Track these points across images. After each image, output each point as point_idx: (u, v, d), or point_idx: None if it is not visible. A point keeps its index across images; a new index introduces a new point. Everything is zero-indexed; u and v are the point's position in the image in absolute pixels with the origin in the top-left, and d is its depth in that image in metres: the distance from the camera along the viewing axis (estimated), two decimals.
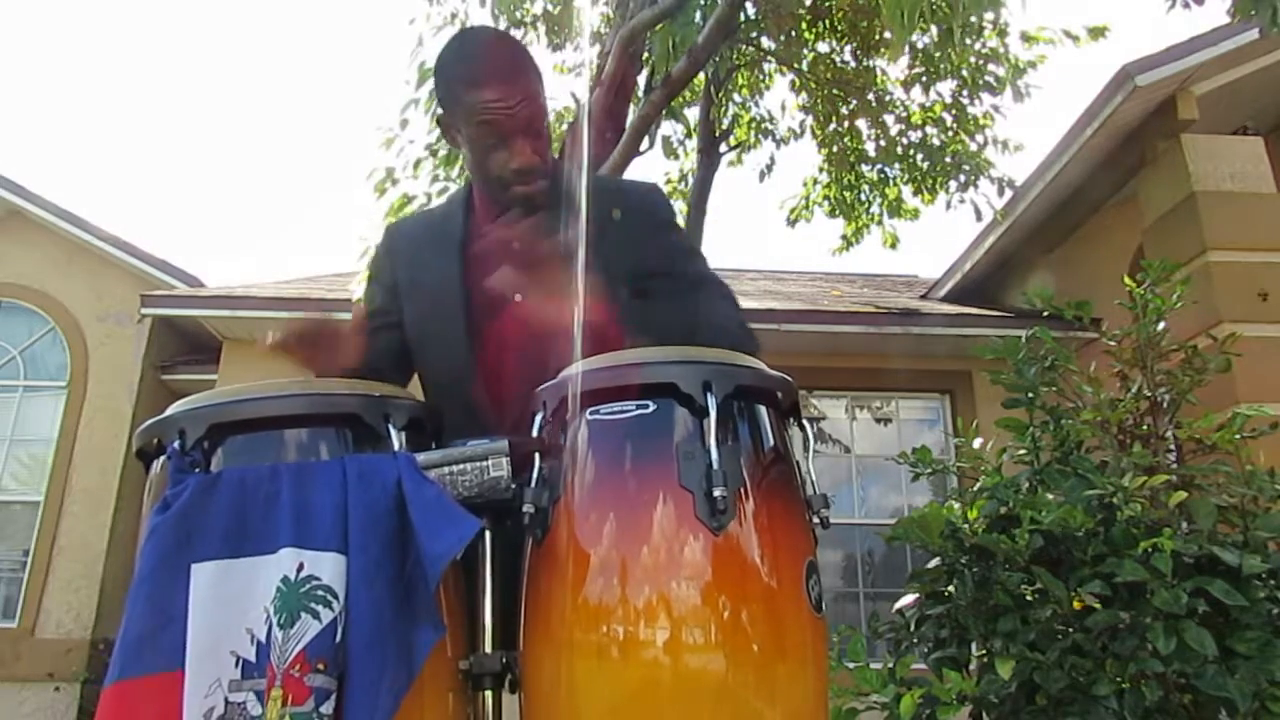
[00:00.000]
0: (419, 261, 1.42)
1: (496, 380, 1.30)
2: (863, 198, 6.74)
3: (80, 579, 6.94)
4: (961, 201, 6.18)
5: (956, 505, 2.05)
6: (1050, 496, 1.95)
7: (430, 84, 4.49)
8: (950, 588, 2.02)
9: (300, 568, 0.86)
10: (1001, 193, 6.12)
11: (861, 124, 6.30)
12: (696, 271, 1.43)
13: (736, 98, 6.47)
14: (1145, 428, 2.18)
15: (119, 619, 0.87)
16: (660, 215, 1.47)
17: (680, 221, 1.55)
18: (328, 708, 0.83)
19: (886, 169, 6.43)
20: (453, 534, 0.90)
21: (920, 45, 5.80)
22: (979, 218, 6.23)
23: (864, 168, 6.51)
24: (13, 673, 6.71)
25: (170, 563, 0.86)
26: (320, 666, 0.84)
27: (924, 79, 5.95)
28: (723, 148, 6.36)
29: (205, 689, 0.83)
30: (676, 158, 6.68)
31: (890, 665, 1.96)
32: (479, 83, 1.28)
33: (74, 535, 7.04)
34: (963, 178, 6.11)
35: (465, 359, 1.31)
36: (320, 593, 0.86)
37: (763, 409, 1.01)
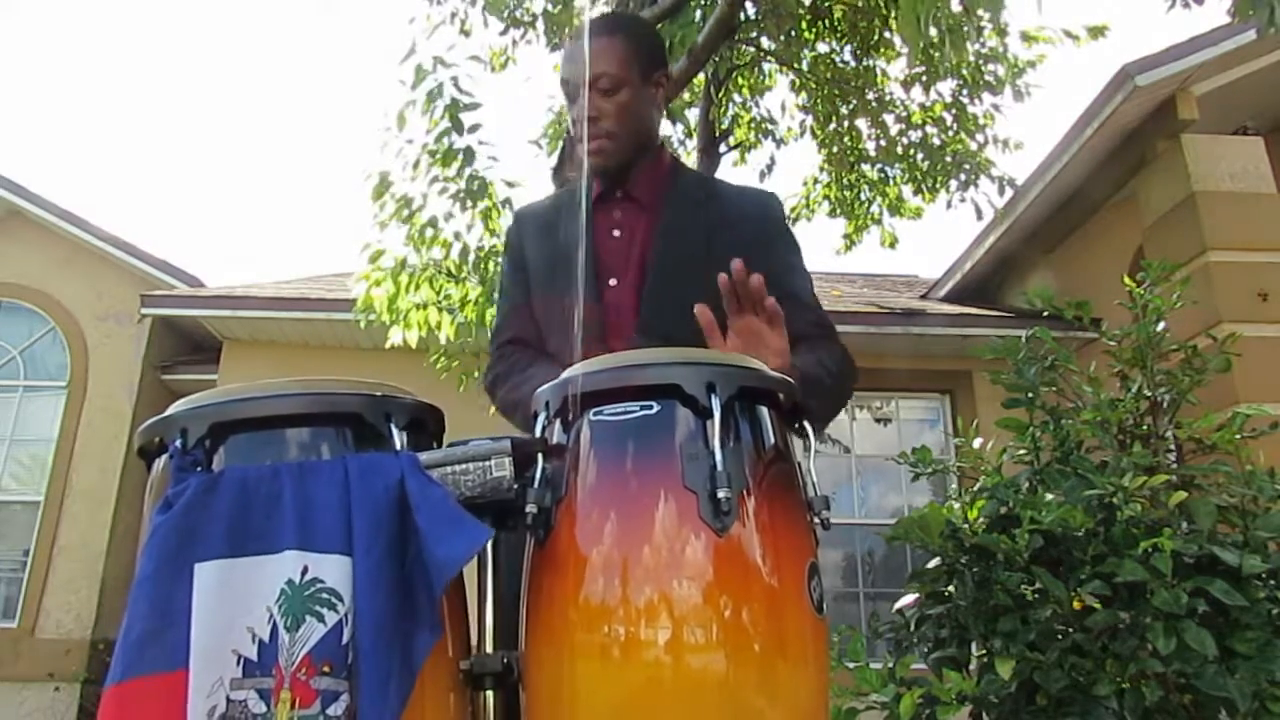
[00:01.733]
0: (549, 238, 1.50)
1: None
2: (863, 197, 6.74)
3: (80, 579, 6.94)
4: (962, 201, 6.19)
5: (956, 505, 2.05)
6: (1050, 496, 1.95)
7: (427, 84, 4.49)
8: (950, 588, 2.02)
9: (304, 570, 0.86)
10: (1002, 192, 6.12)
11: (861, 124, 6.30)
12: (821, 318, 1.46)
13: (736, 98, 6.47)
14: (1145, 428, 2.18)
15: (119, 619, 0.87)
16: (766, 221, 1.51)
17: (791, 232, 1.60)
18: (335, 709, 0.83)
19: (887, 168, 6.44)
20: (462, 542, 0.90)
21: (920, 45, 5.80)
22: (979, 217, 6.24)
23: (864, 167, 6.51)
24: (13, 673, 6.71)
25: (173, 562, 0.86)
26: (326, 669, 0.84)
27: (924, 79, 5.95)
28: (723, 148, 6.36)
29: (208, 688, 0.83)
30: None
31: (890, 665, 1.97)
32: (568, 48, 1.51)
33: (74, 535, 7.05)
34: (963, 177, 6.12)
35: (597, 331, 1.37)
36: (324, 595, 0.86)
37: (765, 410, 1.01)
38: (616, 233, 1.46)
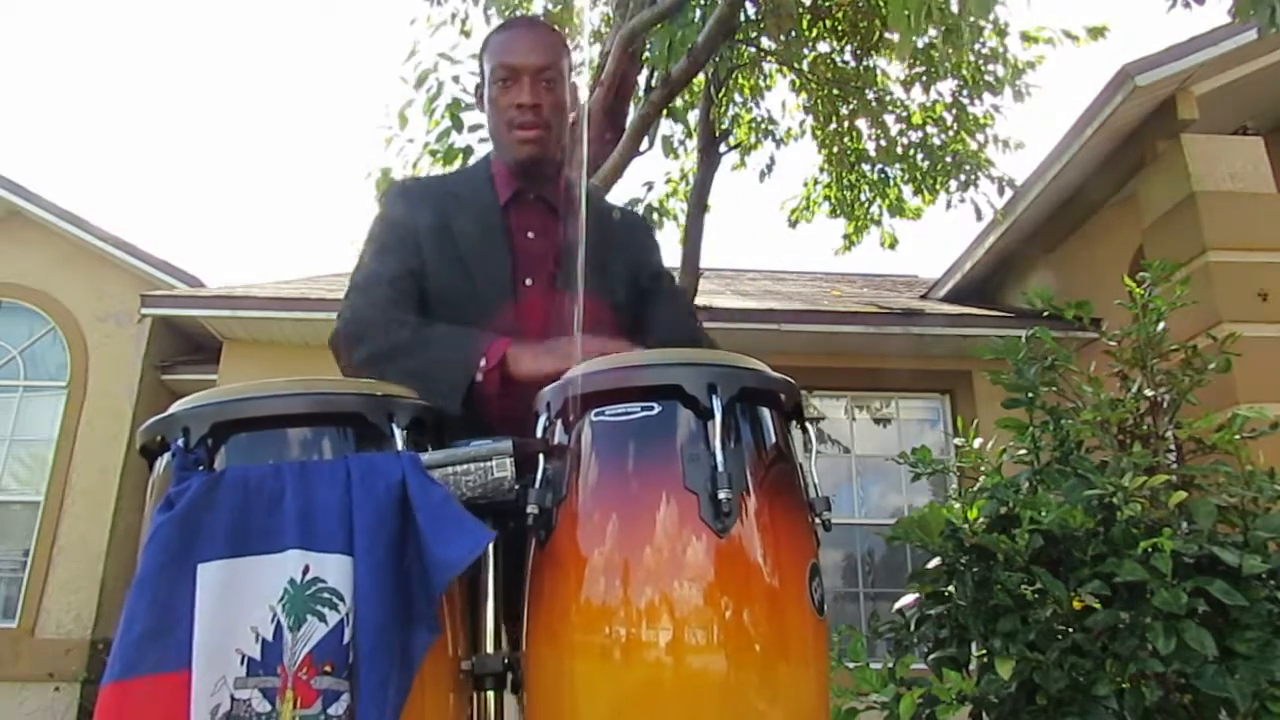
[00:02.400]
0: (450, 216, 1.44)
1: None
2: (863, 198, 6.74)
3: (80, 579, 6.94)
4: (962, 201, 6.18)
5: (956, 505, 2.05)
6: (1050, 496, 1.95)
7: (428, 85, 4.50)
8: (950, 588, 2.02)
9: (306, 570, 0.87)
10: (1002, 192, 6.12)
11: (861, 124, 6.30)
12: (692, 308, 1.70)
13: (736, 98, 6.47)
14: (1145, 428, 2.18)
15: (119, 619, 0.87)
16: (653, 234, 1.70)
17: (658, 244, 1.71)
18: (336, 709, 0.84)
19: (886, 169, 6.43)
20: (464, 543, 0.90)
21: (920, 45, 5.80)
22: (979, 217, 6.23)
23: (864, 168, 6.51)
24: (13, 673, 6.71)
25: (175, 563, 0.86)
26: (327, 669, 0.84)
27: (924, 79, 5.94)
28: (723, 148, 6.36)
29: (212, 687, 0.83)
30: (676, 157, 6.68)
31: (890, 665, 1.97)
32: (506, 32, 1.50)
33: (74, 535, 7.04)
34: (963, 177, 6.11)
35: (511, 327, 1.34)
36: (326, 595, 0.86)
37: (766, 411, 1.02)
38: (530, 234, 1.46)
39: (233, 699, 0.83)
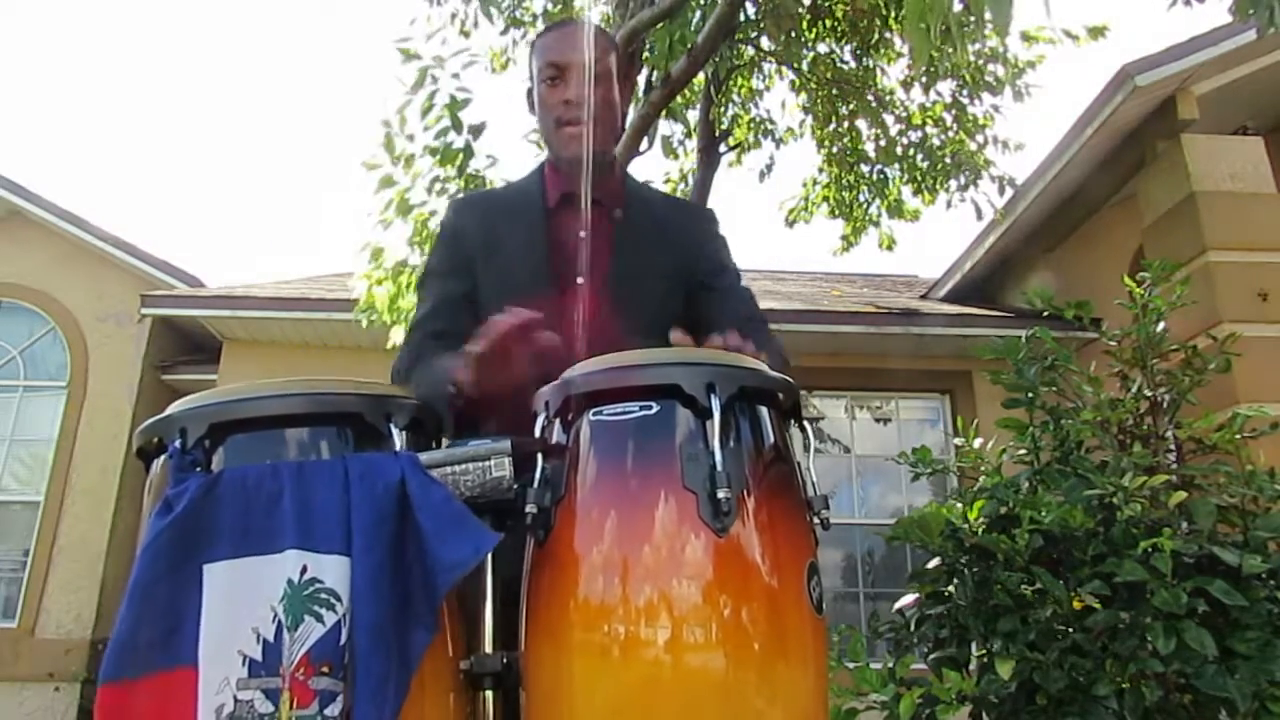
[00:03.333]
0: (495, 232, 1.46)
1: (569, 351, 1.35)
2: (862, 199, 6.74)
3: (80, 579, 6.94)
4: (962, 201, 6.18)
5: (957, 505, 2.05)
6: (1050, 496, 1.95)
7: (427, 86, 4.49)
8: (950, 588, 2.02)
9: (304, 570, 0.87)
10: (1002, 191, 6.12)
11: (861, 124, 6.30)
12: (755, 313, 1.55)
13: (736, 98, 6.47)
14: (1145, 428, 2.18)
15: (119, 620, 0.87)
16: (715, 225, 1.61)
17: (726, 240, 1.67)
18: (332, 710, 0.84)
19: (886, 169, 6.43)
20: (468, 544, 0.90)
21: (926, 52, 5.79)
22: (979, 216, 6.23)
23: (863, 168, 6.51)
24: (13, 673, 6.71)
25: (180, 565, 0.86)
26: (324, 669, 0.84)
27: (924, 79, 5.94)
28: (722, 148, 6.36)
29: (216, 687, 0.83)
30: (676, 158, 6.68)
31: (890, 665, 1.97)
32: (553, 32, 1.51)
33: (74, 535, 7.04)
34: (963, 178, 6.11)
35: (563, 328, 1.34)
36: (323, 595, 0.86)
37: (764, 410, 1.01)
38: (581, 234, 1.45)
39: (236, 699, 0.83)
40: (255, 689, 0.83)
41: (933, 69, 5.76)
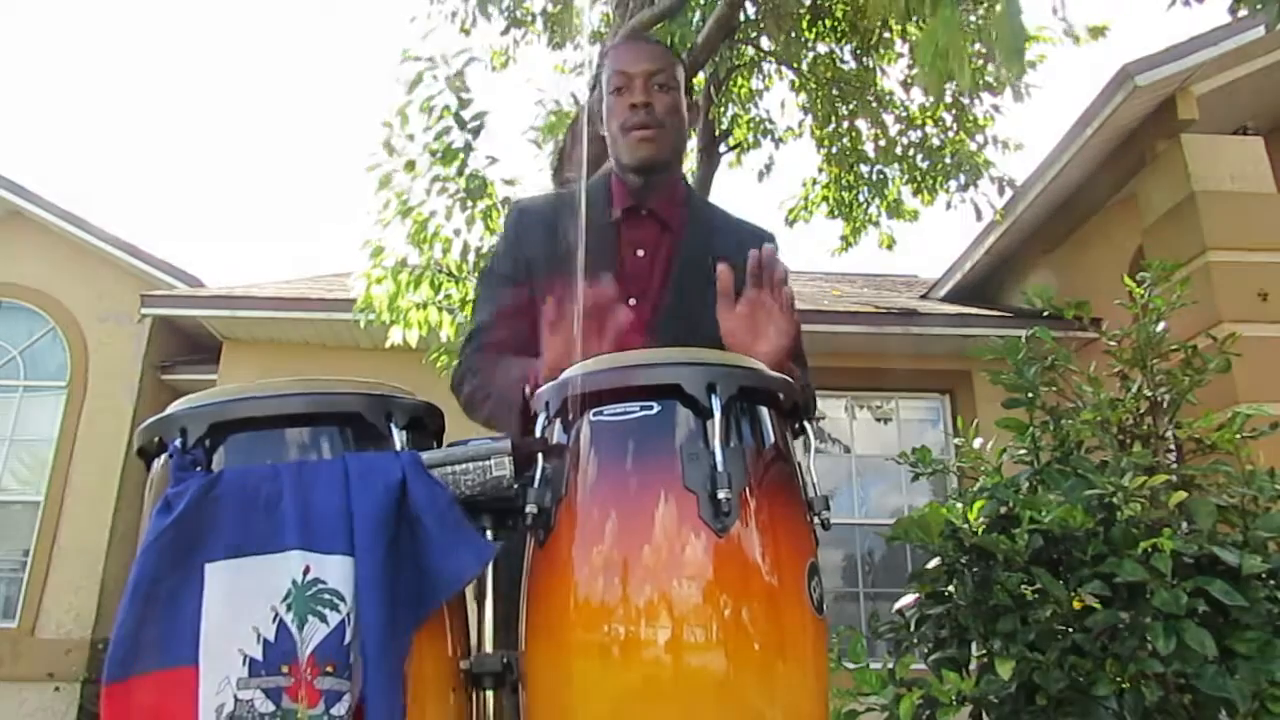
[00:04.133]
0: (560, 241, 1.44)
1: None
2: (861, 199, 6.74)
3: (80, 579, 6.94)
4: (962, 201, 6.18)
5: (957, 505, 2.05)
6: (1050, 496, 1.95)
7: (424, 86, 4.49)
8: (950, 588, 2.02)
9: (306, 571, 0.87)
10: (1002, 192, 6.12)
11: (861, 124, 6.30)
12: (802, 350, 1.49)
13: (736, 98, 6.47)
14: (1145, 428, 2.17)
15: (119, 618, 0.87)
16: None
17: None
18: (338, 709, 0.84)
19: (885, 170, 6.43)
20: (469, 556, 0.91)
21: (941, 87, 5.79)
22: (979, 217, 6.23)
23: (863, 169, 6.51)
24: (13, 673, 6.71)
25: (180, 564, 0.87)
26: (329, 669, 0.84)
27: (918, 77, 5.94)
28: (722, 148, 6.36)
29: (216, 685, 0.84)
30: None
31: (890, 666, 1.96)
32: (620, 45, 1.55)
33: (74, 535, 7.04)
34: (963, 178, 6.11)
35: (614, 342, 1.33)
36: (326, 596, 0.86)
37: (765, 410, 1.01)
38: (640, 252, 1.44)
39: (236, 699, 0.83)
40: (255, 688, 0.83)
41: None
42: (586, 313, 1.17)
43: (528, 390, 1.19)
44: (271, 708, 0.83)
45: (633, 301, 1.41)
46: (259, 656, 0.84)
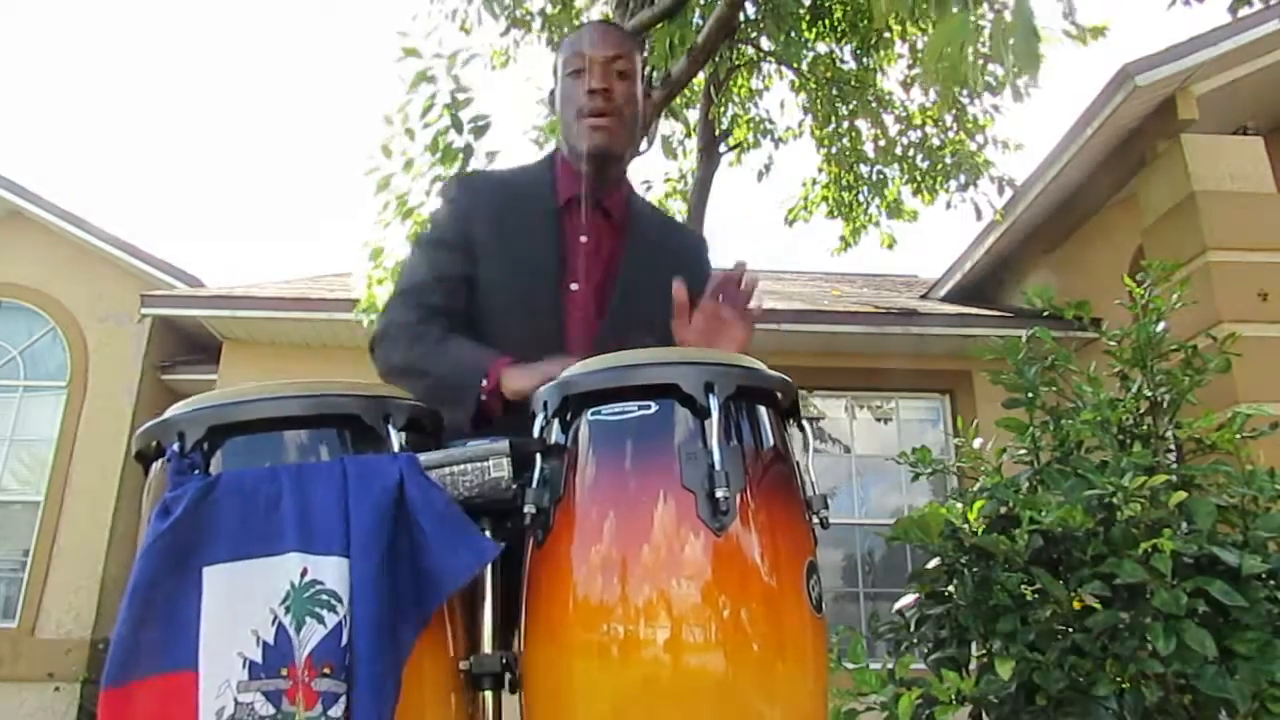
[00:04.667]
0: (506, 222, 1.42)
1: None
2: (861, 199, 6.74)
3: (80, 579, 6.94)
4: (962, 201, 6.18)
5: (957, 505, 2.05)
6: (1050, 496, 1.94)
7: (424, 86, 4.49)
8: (950, 588, 2.02)
9: (304, 572, 0.87)
10: (1001, 192, 6.12)
11: (861, 124, 6.30)
12: None
13: (736, 98, 6.47)
14: (1145, 428, 2.17)
15: (119, 622, 0.87)
16: (706, 258, 1.60)
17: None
18: (335, 711, 0.84)
19: (885, 170, 6.43)
20: (469, 554, 0.91)
21: (920, 46, 5.80)
22: (979, 217, 6.23)
23: (862, 169, 6.51)
24: (13, 673, 6.71)
25: (179, 567, 0.87)
26: (326, 670, 0.84)
27: (924, 79, 5.94)
28: (722, 148, 6.36)
29: (216, 689, 0.83)
30: (676, 158, 6.68)
31: (890, 665, 1.96)
32: (580, 30, 1.49)
33: (74, 535, 7.04)
34: (963, 178, 6.11)
35: (555, 329, 1.34)
36: (324, 597, 0.86)
37: (763, 409, 1.01)
38: (584, 238, 1.43)
39: (236, 702, 0.83)
40: (255, 691, 0.83)
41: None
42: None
43: (484, 383, 1.19)
44: (271, 710, 0.83)
45: (575, 286, 1.40)
46: (258, 659, 0.84)
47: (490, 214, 1.42)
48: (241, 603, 0.86)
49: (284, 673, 0.84)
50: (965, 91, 5.95)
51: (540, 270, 1.39)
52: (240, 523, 0.88)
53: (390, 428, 0.98)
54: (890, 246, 6.91)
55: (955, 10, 1.68)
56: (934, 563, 2.08)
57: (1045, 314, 2.39)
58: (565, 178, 1.46)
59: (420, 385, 1.23)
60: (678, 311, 1.27)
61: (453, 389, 1.22)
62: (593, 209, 1.45)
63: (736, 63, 6.06)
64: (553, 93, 1.49)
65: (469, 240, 1.40)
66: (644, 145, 5.16)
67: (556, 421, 1.01)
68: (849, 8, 5.85)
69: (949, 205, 6.27)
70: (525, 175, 1.53)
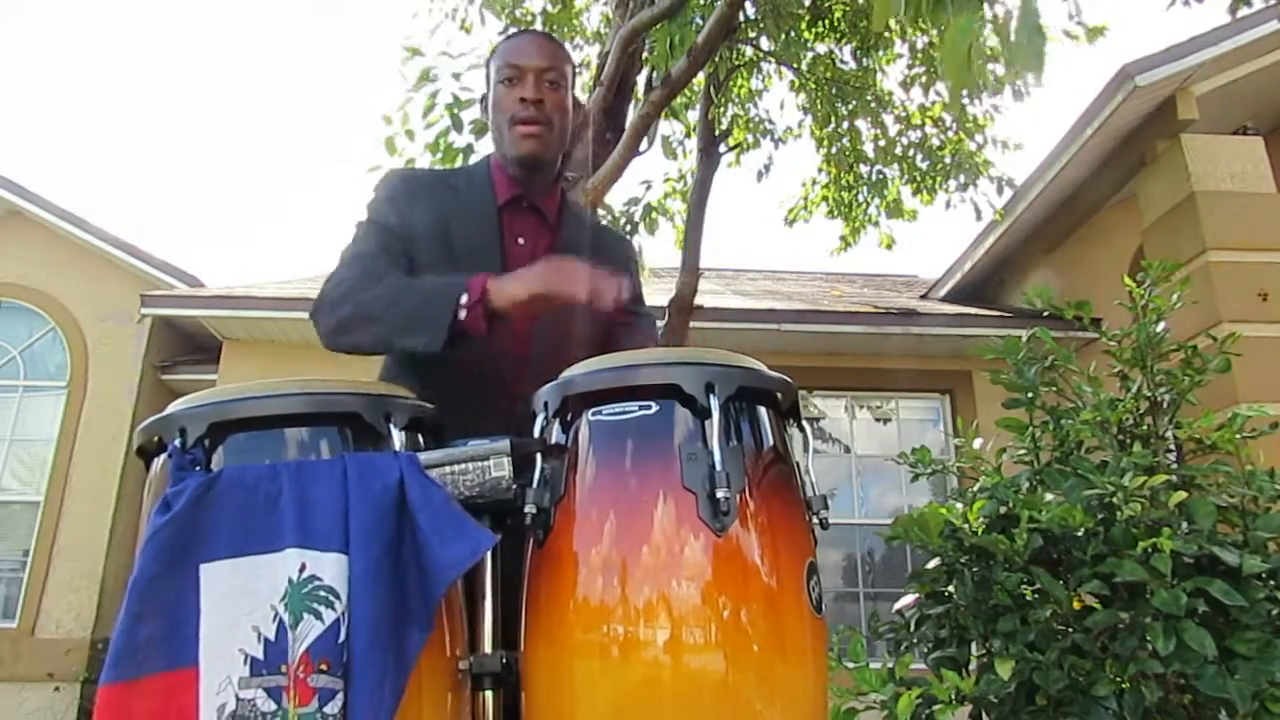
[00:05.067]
0: (448, 219, 1.43)
1: (512, 360, 1.36)
2: (860, 199, 6.74)
3: (80, 579, 6.94)
4: (962, 201, 6.18)
5: (957, 505, 2.05)
6: (1050, 496, 1.95)
7: (428, 86, 4.49)
8: (950, 588, 2.02)
9: (302, 568, 0.87)
10: (1000, 191, 6.12)
11: (861, 124, 6.30)
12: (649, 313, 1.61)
13: (735, 98, 6.47)
14: (1145, 428, 2.17)
15: (118, 620, 0.87)
16: (635, 255, 1.70)
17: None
18: (332, 707, 0.84)
19: (885, 170, 6.43)
20: (465, 545, 0.91)
21: (920, 45, 5.80)
22: (979, 216, 6.23)
23: (862, 169, 6.51)
24: (13, 673, 6.71)
25: (177, 564, 0.86)
26: (324, 667, 0.84)
27: (923, 79, 5.95)
28: (722, 148, 6.36)
29: (217, 686, 0.83)
30: (676, 158, 6.68)
31: (890, 665, 1.96)
32: (513, 38, 1.53)
33: (74, 535, 7.04)
34: (962, 178, 6.11)
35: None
36: (322, 593, 0.86)
37: (763, 410, 1.01)
38: (521, 240, 1.46)
39: (238, 698, 0.83)
40: (257, 687, 0.83)
41: (932, 69, 5.75)
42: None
43: (464, 299, 1.15)
44: (273, 706, 0.83)
45: None
46: (260, 656, 0.84)
47: (432, 209, 1.43)
48: (243, 599, 0.86)
49: (284, 669, 0.84)
50: (966, 92, 5.94)
51: (482, 269, 1.37)
52: (239, 520, 0.88)
53: (391, 426, 0.98)
54: (890, 247, 6.90)
55: (961, 11, 1.68)
56: (934, 563, 2.08)
57: (1045, 314, 2.39)
58: (501, 181, 1.48)
59: (380, 326, 1.21)
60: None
61: (422, 313, 1.18)
62: (527, 211, 1.48)
63: (736, 63, 6.06)
64: (485, 97, 1.52)
65: (411, 231, 1.40)
66: (644, 145, 5.14)
67: (557, 421, 1.01)
68: (849, 8, 5.84)
69: (948, 205, 6.27)
70: (463, 176, 1.54)
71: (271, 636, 0.84)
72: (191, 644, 0.84)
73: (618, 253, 1.59)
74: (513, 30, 1.59)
